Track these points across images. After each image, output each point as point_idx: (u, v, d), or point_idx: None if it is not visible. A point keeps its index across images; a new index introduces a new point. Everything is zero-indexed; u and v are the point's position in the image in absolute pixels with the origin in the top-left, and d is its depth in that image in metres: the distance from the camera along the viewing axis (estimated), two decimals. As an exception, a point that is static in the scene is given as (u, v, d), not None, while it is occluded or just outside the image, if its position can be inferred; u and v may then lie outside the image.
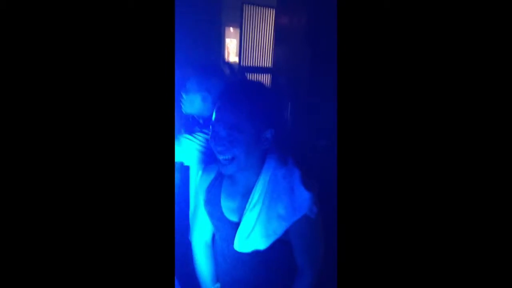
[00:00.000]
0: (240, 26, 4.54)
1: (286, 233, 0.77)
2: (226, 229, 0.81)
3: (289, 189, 0.76)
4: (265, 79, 4.66)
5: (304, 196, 0.75)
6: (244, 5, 4.41)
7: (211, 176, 0.86)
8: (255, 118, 0.72)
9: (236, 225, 0.78)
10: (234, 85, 0.81)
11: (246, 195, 0.78)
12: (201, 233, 0.92)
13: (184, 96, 1.28)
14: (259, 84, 0.81)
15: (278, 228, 0.75)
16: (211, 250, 0.93)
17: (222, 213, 0.82)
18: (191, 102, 1.26)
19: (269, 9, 4.51)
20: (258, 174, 0.77)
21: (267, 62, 4.79)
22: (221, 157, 0.73)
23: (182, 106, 1.29)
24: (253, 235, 0.76)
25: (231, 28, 4.89)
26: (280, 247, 0.78)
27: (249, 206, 0.76)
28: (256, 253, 0.78)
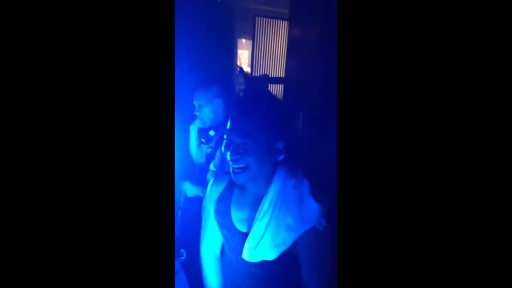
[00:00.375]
0: (252, 37, 4.61)
1: (294, 245, 0.76)
2: (235, 240, 0.82)
3: (299, 200, 0.76)
4: (277, 89, 4.70)
5: (313, 208, 0.74)
6: (257, 17, 4.49)
7: (222, 186, 0.87)
8: (269, 128, 0.73)
9: (246, 235, 0.79)
10: (249, 95, 0.82)
11: (256, 205, 0.79)
12: (210, 244, 0.92)
13: (197, 113, 1.32)
14: (274, 94, 0.83)
15: (287, 239, 0.75)
16: (220, 262, 0.93)
17: (232, 223, 0.82)
18: (206, 115, 1.30)
19: (281, 21, 4.58)
20: (268, 185, 0.78)
21: (279, 72, 4.83)
22: (234, 166, 0.74)
23: (200, 122, 1.33)
24: (261, 245, 0.76)
25: (244, 40, 4.97)
26: (288, 260, 0.78)
27: (259, 216, 0.77)
28: (264, 265, 0.78)
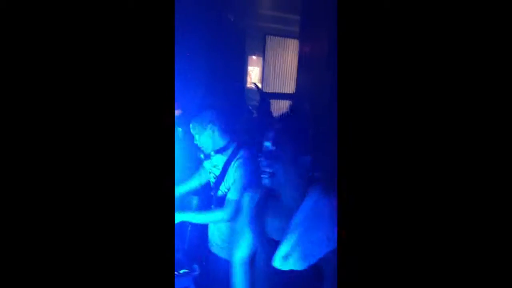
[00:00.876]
0: (262, 55, 4.72)
1: (322, 260, 0.80)
2: (267, 247, 0.87)
3: (330, 218, 0.80)
4: (288, 105, 4.73)
5: None
6: (267, 36, 4.61)
7: (258, 196, 0.94)
8: (296, 141, 0.81)
9: (277, 243, 0.84)
10: (284, 110, 0.90)
11: (289, 217, 0.84)
12: (242, 249, 0.98)
13: (197, 142, 1.35)
14: (307, 113, 0.88)
15: (315, 253, 0.80)
16: (248, 266, 0.98)
17: (265, 231, 0.88)
18: (205, 142, 1.34)
19: (291, 39, 4.68)
20: (302, 199, 0.84)
21: (289, 89, 4.89)
22: (264, 170, 0.82)
23: (202, 148, 1.36)
24: (291, 256, 0.81)
25: (254, 57, 5.07)
26: (314, 272, 0.82)
27: (291, 227, 0.83)
28: (292, 274, 0.82)
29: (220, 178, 1.37)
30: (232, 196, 1.30)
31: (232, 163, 1.33)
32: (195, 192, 1.62)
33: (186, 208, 1.59)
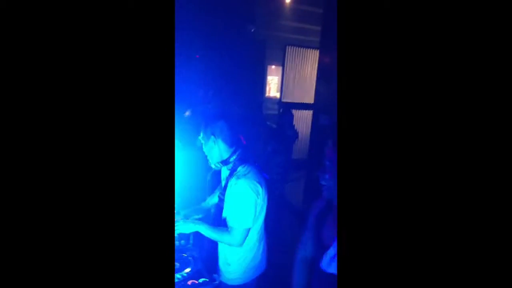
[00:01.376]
0: (282, 65, 4.76)
1: None
2: (319, 250, 0.96)
3: None
4: (307, 116, 4.75)
5: None
6: (287, 46, 4.65)
7: (320, 206, 1.04)
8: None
9: (327, 248, 0.93)
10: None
11: None
12: (306, 248, 1.12)
13: (204, 151, 1.36)
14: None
15: None
16: (306, 265, 1.13)
17: (321, 236, 0.98)
18: (208, 152, 1.33)
19: (312, 50, 4.69)
20: None
21: (308, 99, 4.89)
22: (322, 183, 0.92)
23: (210, 160, 1.36)
24: (335, 261, 0.91)
25: (273, 66, 5.13)
26: None
27: (337, 236, 0.90)
28: (332, 278, 0.91)
29: (224, 193, 1.34)
30: (234, 224, 1.24)
31: (230, 179, 1.29)
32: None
33: (205, 217, 1.60)
